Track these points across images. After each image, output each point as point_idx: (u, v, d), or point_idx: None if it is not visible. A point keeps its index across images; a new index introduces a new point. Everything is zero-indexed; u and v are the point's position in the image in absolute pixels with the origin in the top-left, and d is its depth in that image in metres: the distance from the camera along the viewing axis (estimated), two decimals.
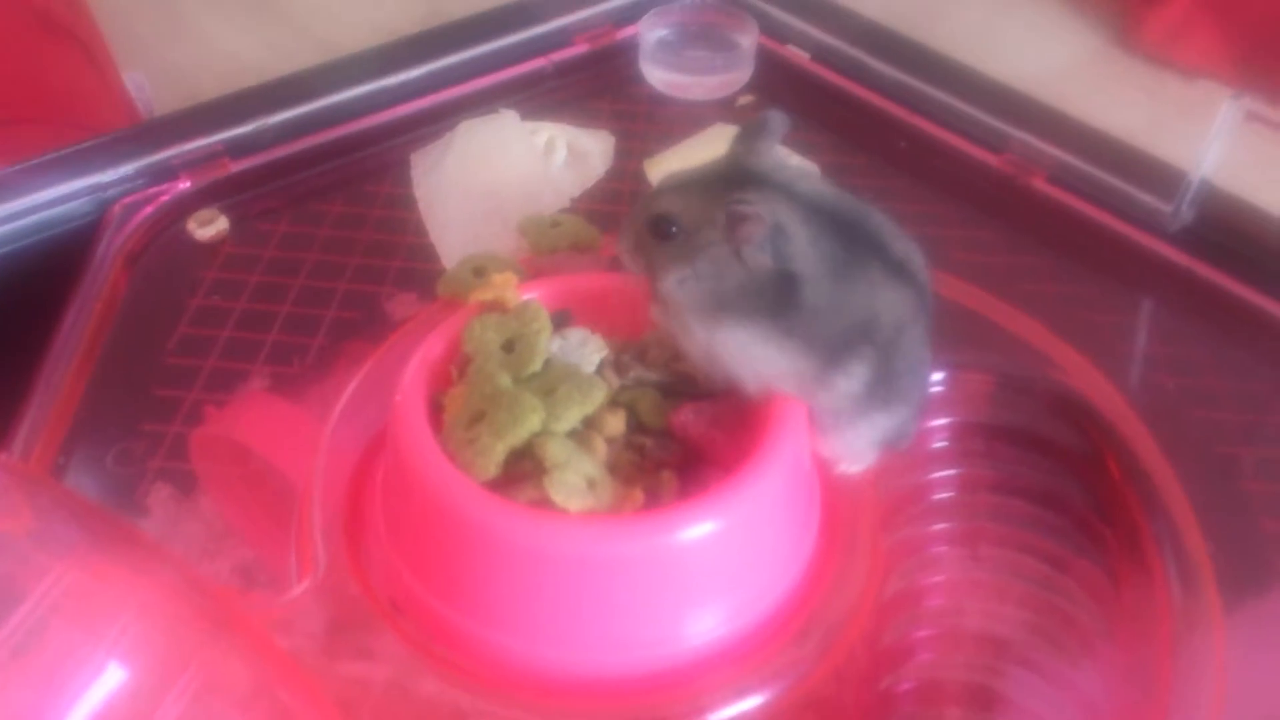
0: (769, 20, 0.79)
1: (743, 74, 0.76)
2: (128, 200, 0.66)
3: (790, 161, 0.63)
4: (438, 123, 0.71)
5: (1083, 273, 0.63)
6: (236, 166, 0.69)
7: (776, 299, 0.42)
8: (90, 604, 0.35)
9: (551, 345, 0.45)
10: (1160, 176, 0.65)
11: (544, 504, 0.40)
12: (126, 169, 0.66)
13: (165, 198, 0.67)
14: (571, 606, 0.40)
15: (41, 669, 0.33)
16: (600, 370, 0.45)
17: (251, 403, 0.55)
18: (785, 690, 0.41)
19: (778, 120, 0.45)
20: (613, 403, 0.44)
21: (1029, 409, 0.54)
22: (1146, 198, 0.65)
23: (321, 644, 0.42)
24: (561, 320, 0.47)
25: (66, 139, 0.67)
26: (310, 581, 0.44)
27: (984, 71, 0.73)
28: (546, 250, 0.55)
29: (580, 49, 0.79)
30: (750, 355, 0.43)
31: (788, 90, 0.77)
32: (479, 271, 0.50)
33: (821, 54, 0.78)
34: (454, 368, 0.46)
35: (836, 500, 0.47)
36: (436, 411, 0.44)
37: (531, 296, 0.47)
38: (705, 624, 0.41)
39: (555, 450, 0.40)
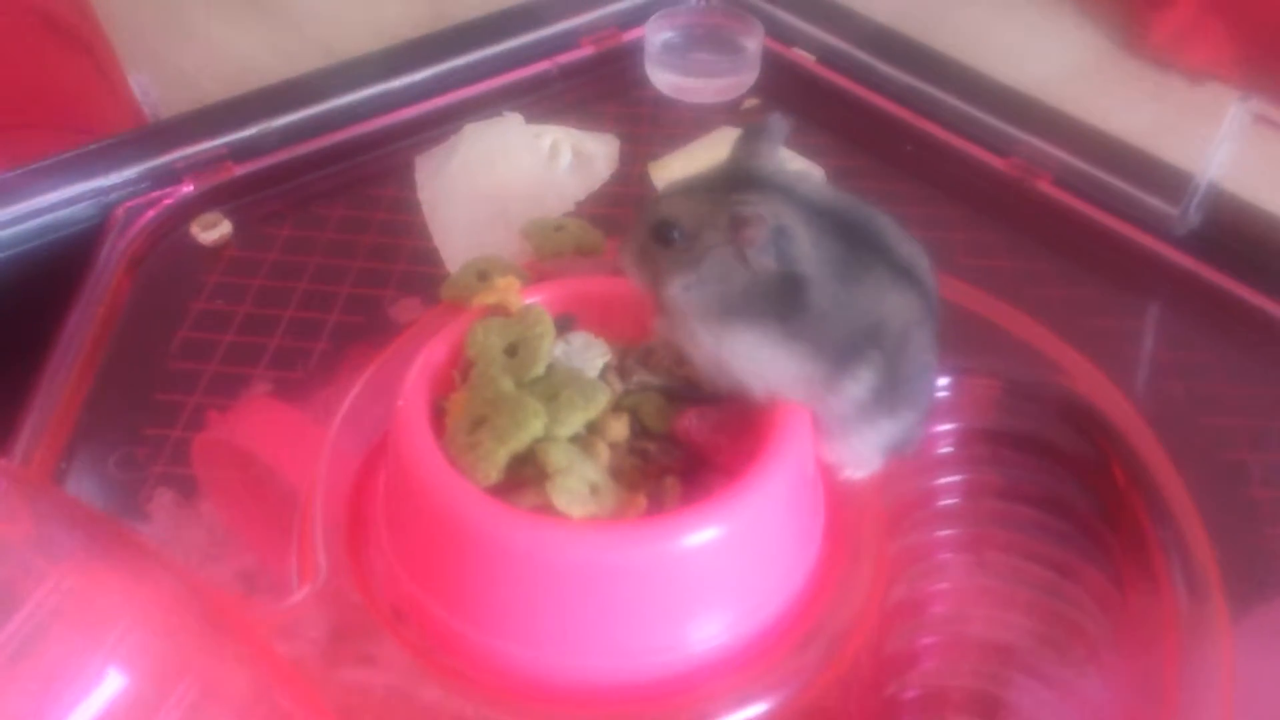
0: (775, 23, 0.79)
1: (748, 77, 0.76)
2: (130, 204, 0.66)
3: (792, 166, 0.62)
4: (442, 126, 0.71)
5: (1089, 277, 0.63)
6: (240, 170, 0.69)
7: (783, 301, 0.42)
8: (90, 610, 0.35)
9: (555, 350, 0.45)
10: (1167, 180, 0.64)
11: (546, 510, 0.40)
12: (129, 172, 0.66)
13: (168, 201, 0.67)
14: (573, 613, 0.40)
15: (40, 675, 0.33)
16: (603, 375, 0.45)
17: (254, 407, 0.55)
18: (789, 698, 0.41)
19: (779, 124, 0.45)
20: (616, 407, 0.44)
21: (1035, 414, 0.54)
22: (1153, 201, 0.64)
23: (323, 650, 0.42)
24: (565, 324, 0.47)
25: (71, 143, 0.67)
26: (311, 587, 0.44)
27: (990, 74, 0.73)
28: (550, 254, 0.55)
29: (585, 52, 0.79)
30: (757, 359, 0.43)
31: (793, 93, 0.77)
32: (482, 275, 0.50)
33: (827, 57, 0.78)
34: (457, 372, 0.45)
35: (841, 506, 0.46)
36: (439, 416, 0.44)
37: (535, 300, 0.47)
38: (708, 631, 0.41)
39: (558, 455, 0.40)
